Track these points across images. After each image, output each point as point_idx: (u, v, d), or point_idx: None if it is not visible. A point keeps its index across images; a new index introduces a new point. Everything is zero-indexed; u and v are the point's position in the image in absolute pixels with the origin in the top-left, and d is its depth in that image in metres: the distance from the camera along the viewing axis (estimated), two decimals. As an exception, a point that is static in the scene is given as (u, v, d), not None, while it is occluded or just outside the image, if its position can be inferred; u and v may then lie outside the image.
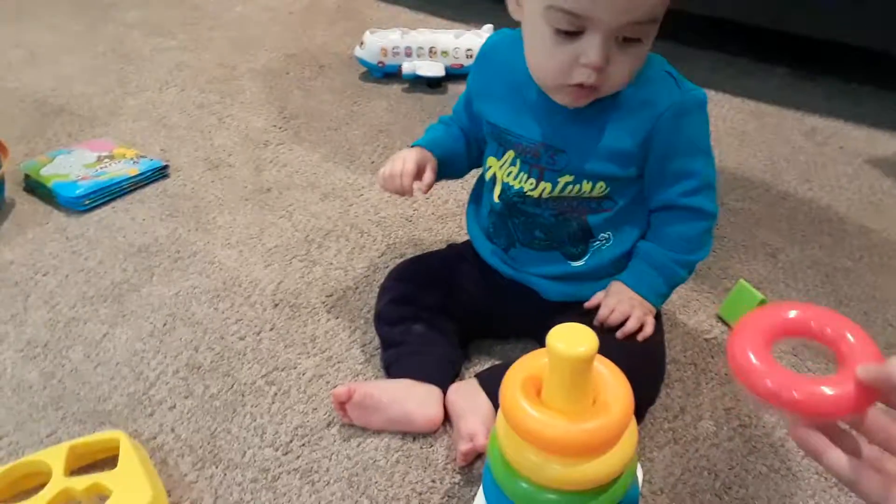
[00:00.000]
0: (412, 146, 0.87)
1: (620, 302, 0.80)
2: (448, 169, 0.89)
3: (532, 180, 0.81)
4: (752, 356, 0.52)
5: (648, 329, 0.79)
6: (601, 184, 0.78)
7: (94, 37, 1.80)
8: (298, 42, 1.77)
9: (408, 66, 1.53)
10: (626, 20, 0.67)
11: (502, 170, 0.83)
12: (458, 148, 0.90)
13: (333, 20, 1.91)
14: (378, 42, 1.55)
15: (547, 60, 0.72)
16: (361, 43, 1.57)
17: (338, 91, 1.54)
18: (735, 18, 1.57)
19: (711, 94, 1.55)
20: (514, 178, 0.82)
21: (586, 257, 0.83)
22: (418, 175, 0.84)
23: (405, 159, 0.84)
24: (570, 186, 0.79)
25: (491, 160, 0.85)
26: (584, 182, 0.78)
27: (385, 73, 1.58)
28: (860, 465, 0.49)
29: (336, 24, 1.88)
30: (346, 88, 1.55)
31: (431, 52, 1.55)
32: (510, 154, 0.82)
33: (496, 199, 0.85)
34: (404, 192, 0.84)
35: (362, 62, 1.58)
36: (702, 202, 0.79)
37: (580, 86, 0.71)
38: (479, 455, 0.76)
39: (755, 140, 1.39)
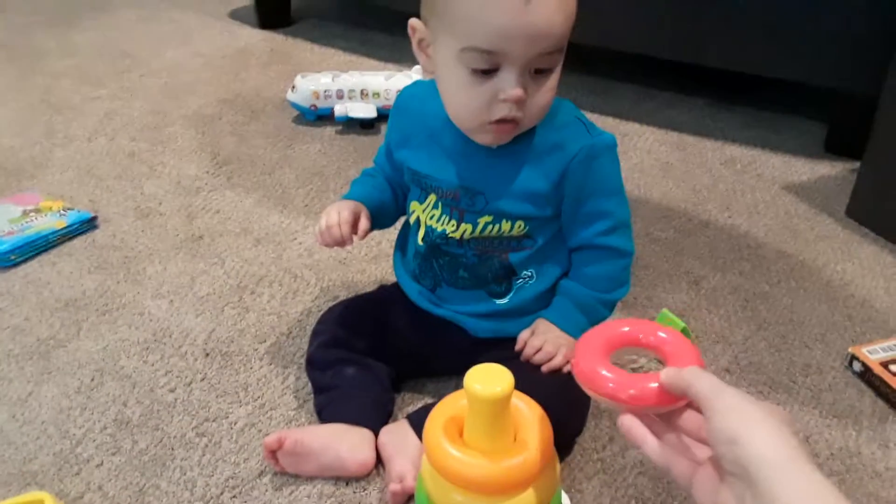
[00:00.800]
0: (342, 199, 0.89)
1: (547, 342, 0.82)
2: (379, 219, 0.91)
3: (453, 222, 0.83)
4: (593, 366, 0.62)
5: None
6: (520, 223, 0.81)
7: (22, 87, 1.78)
8: (231, 87, 1.78)
9: (340, 109, 1.55)
10: (536, 52, 0.71)
11: (425, 213, 0.85)
12: (385, 197, 0.92)
13: (266, 64, 1.92)
14: (309, 86, 1.56)
15: (467, 101, 0.75)
16: (293, 87, 1.59)
17: (271, 135, 1.55)
18: (656, 54, 1.63)
19: (636, 127, 1.60)
20: (437, 221, 0.84)
21: (510, 295, 0.85)
22: (354, 224, 0.86)
23: (339, 210, 0.85)
24: (489, 226, 0.81)
25: (414, 205, 0.87)
26: (504, 222, 0.81)
27: (318, 116, 1.59)
28: (672, 452, 0.58)
29: (268, 68, 1.89)
30: (280, 132, 1.56)
31: (363, 93, 1.57)
32: (432, 198, 0.84)
33: (420, 242, 0.87)
34: (343, 243, 0.86)
35: (295, 106, 1.59)
36: (617, 241, 0.83)
37: (502, 121, 0.74)
38: (410, 497, 0.77)
39: (678, 170, 1.44)
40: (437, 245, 0.85)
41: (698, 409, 0.55)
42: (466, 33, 0.71)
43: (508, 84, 0.72)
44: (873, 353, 0.95)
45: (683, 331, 0.97)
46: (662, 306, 1.01)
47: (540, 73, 0.73)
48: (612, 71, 1.86)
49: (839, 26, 1.37)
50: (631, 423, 0.59)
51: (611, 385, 0.60)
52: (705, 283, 1.12)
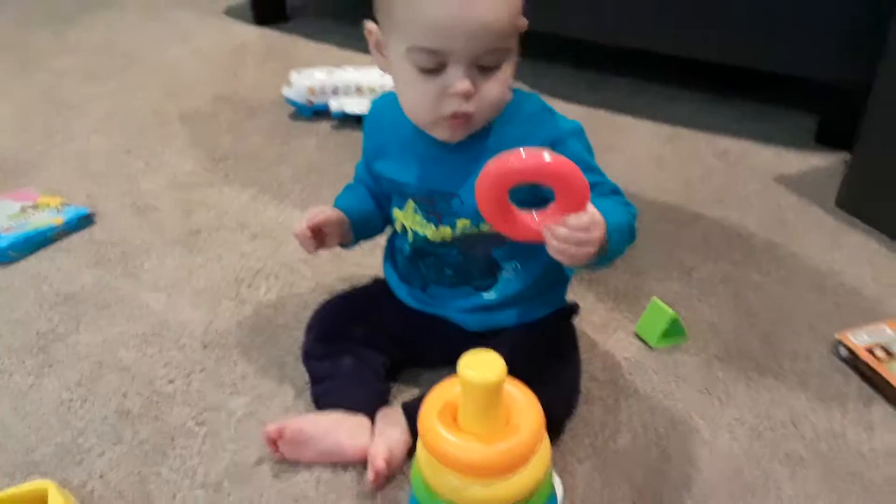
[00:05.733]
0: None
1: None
2: (365, 228, 0.93)
3: (431, 226, 0.85)
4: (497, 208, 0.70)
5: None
6: None
7: (22, 84, 1.79)
8: (228, 85, 1.79)
9: (335, 104, 1.56)
10: (480, 49, 0.72)
11: (408, 219, 0.88)
12: (367, 207, 0.93)
13: (262, 61, 1.94)
14: (305, 82, 1.58)
15: (418, 97, 0.77)
16: (288, 83, 1.60)
17: (267, 131, 1.57)
18: (648, 48, 1.64)
19: (629, 120, 1.62)
20: (419, 226, 0.86)
21: (496, 288, 0.87)
22: (316, 234, 0.86)
23: (302, 219, 0.86)
24: (468, 228, 0.83)
25: (396, 212, 0.89)
26: (482, 223, 0.82)
27: (314, 112, 1.61)
28: None
29: (265, 65, 1.91)
30: (276, 128, 1.58)
31: (358, 89, 1.58)
32: (410, 203, 0.86)
33: (407, 247, 0.89)
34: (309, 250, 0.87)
35: (290, 102, 1.61)
36: (617, 198, 0.82)
37: (454, 116, 0.76)
38: (384, 477, 0.78)
39: (671, 163, 1.46)
40: (421, 247, 0.87)
41: None
42: (410, 33, 0.73)
43: (456, 79, 0.74)
44: (859, 339, 0.97)
45: (673, 319, 0.99)
46: (653, 295, 1.03)
47: (488, 69, 0.75)
48: (605, 65, 1.88)
49: (829, 19, 1.39)
50: None
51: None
52: (696, 272, 1.14)
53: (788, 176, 1.42)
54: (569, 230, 0.69)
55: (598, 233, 0.70)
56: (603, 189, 0.81)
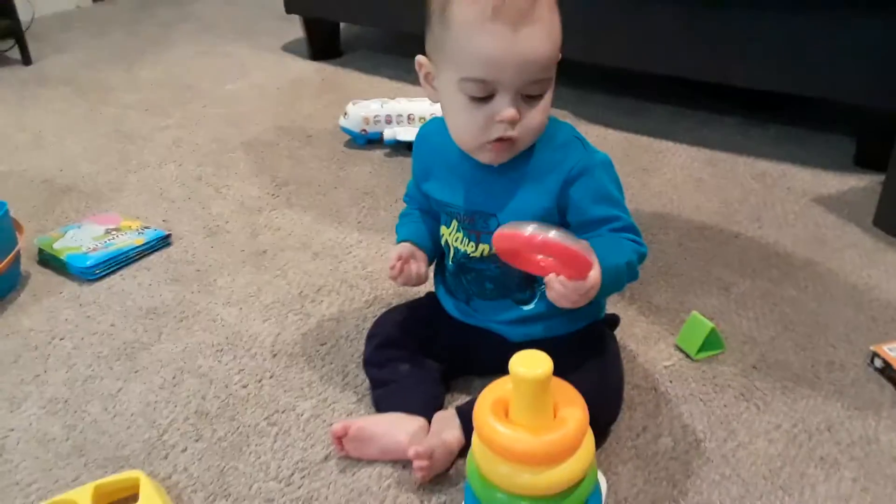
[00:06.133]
0: (398, 242, 0.98)
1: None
2: (436, 247, 1.00)
3: (472, 243, 0.93)
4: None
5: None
6: None
7: (94, 119, 1.93)
8: (286, 115, 1.91)
9: (388, 133, 1.66)
10: (526, 79, 0.80)
11: (451, 236, 0.96)
12: (429, 228, 1.00)
13: (318, 93, 2.05)
14: (360, 112, 1.68)
15: (467, 124, 0.85)
16: (345, 113, 1.70)
17: (324, 158, 1.67)
18: (688, 76, 1.71)
19: (669, 145, 1.68)
20: (460, 243, 0.94)
21: (535, 300, 0.94)
22: (405, 264, 0.95)
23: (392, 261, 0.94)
24: None
25: (442, 229, 0.98)
26: None
27: (368, 140, 1.71)
28: None
29: (321, 97, 2.02)
30: (333, 156, 1.68)
31: (409, 118, 1.68)
32: (455, 223, 0.94)
33: (450, 262, 0.97)
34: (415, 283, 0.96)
35: (346, 131, 1.71)
36: (630, 235, 0.88)
37: (500, 140, 0.84)
38: (431, 472, 0.85)
39: (710, 185, 1.51)
40: (463, 263, 0.95)
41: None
42: (463, 65, 0.81)
43: (504, 107, 0.81)
44: (894, 351, 1.01)
45: (712, 331, 1.05)
46: (693, 310, 1.09)
47: (531, 97, 0.83)
48: (645, 92, 1.95)
49: (865, 44, 1.44)
50: None
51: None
52: (735, 288, 1.19)
53: (827, 196, 1.46)
54: (568, 290, 0.78)
55: (593, 293, 0.79)
56: (617, 224, 0.88)
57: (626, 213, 0.89)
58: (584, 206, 0.87)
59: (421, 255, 0.97)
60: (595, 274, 0.78)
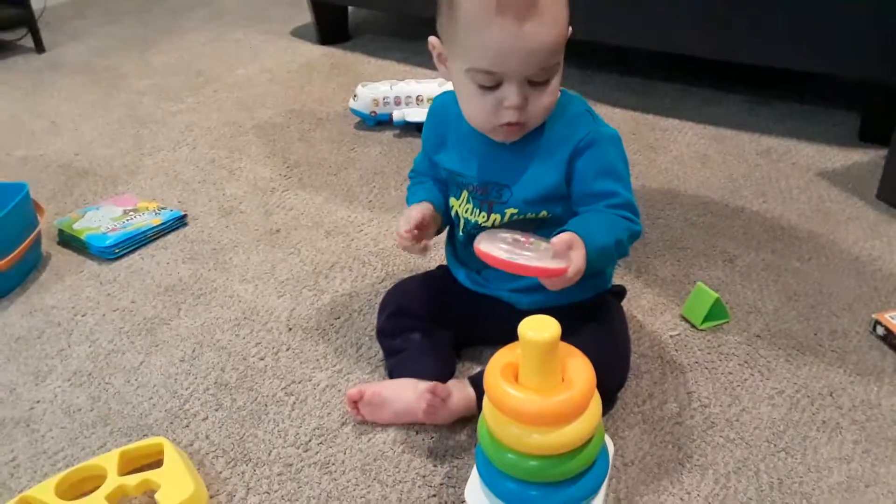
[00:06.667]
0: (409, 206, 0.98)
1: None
2: (448, 213, 1.01)
3: (483, 213, 0.95)
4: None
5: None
6: (544, 212, 0.92)
7: (108, 105, 1.96)
8: (297, 99, 1.93)
9: (398, 114, 1.68)
10: (532, 69, 0.83)
11: (461, 207, 0.98)
12: (441, 195, 1.02)
13: (328, 77, 2.07)
14: (369, 94, 1.70)
15: (477, 109, 0.88)
16: (354, 96, 1.73)
17: (335, 140, 1.69)
18: (693, 53, 1.72)
19: (675, 123, 1.70)
20: (470, 213, 0.96)
21: None
22: (419, 228, 0.94)
23: (403, 221, 0.94)
24: (516, 215, 0.93)
25: (452, 200, 0.99)
26: (528, 213, 0.92)
27: (377, 122, 1.73)
28: None
29: (330, 81, 2.04)
30: (343, 137, 1.70)
31: (418, 99, 1.70)
32: (465, 193, 0.97)
33: (461, 233, 0.99)
34: (419, 250, 0.95)
35: (356, 113, 1.73)
36: (626, 213, 0.89)
37: (508, 125, 0.86)
38: (439, 410, 0.88)
39: (715, 161, 1.53)
40: (473, 234, 0.96)
41: None
42: (470, 57, 0.84)
43: (510, 95, 0.84)
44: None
45: (717, 301, 1.07)
46: (698, 281, 1.11)
47: (538, 83, 0.85)
48: (651, 71, 1.96)
49: (869, 20, 1.44)
50: None
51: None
52: (739, 261, 1.21)
53: (831, 171, 1.48)
54: (553, 282, 0.83)
55: (578, 277, 0.82)
56: (615, 200, 0.89)
57: (628, 190, 0.91)
58: (587, 178, 0.89)
59: (437, 217, 0.98)
60: (574, 267, 0.80)
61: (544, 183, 0.90)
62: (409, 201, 1.02)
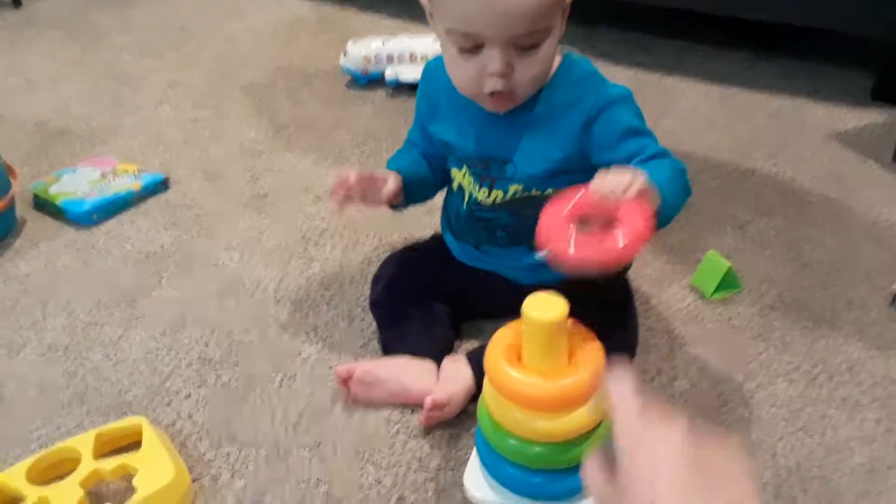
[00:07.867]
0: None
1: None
2: (418, 191, 0.94)
3: (484, 189, 0.88)
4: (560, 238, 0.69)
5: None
6: (550, 189, 0.85)
7: (87, 62, 1.87)
8: (284, 56, 1.85)
9: (390, 72, 1.60)
10: (512, 33, 0.75)
11: (465, 180, 0.91)
12: (423, 170, 0.95)
13: (316, 33, 1.98)
14: (360, 51, 1.62)
15: (459, 73, 0.81)
16: (345, 52, 1.64)
17: (325, 100, 1.62)
18: (698, 9, 1.64)
19: (679, 82, 1.63)
20: (471, 188, 0.90)
21: None
22: (368, 182, 0.87)
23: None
24: (520, 193, 0.86)
25: (454, 171, 0.93)
26: (534, 189, 0.86)
27: (369, 80, 1.65)
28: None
29: (318, 37, 1.95)
30: (333, 97, 1.63)
31: (412, 57, 1.62)
32: (465, 167, 0.90)
33: (464, 207, 0.92)
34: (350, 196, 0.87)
35: (347, 71, 1.65)
36: (664, 156, 0.81)
37: (493, 93, 0.79)
38: (441, 421, 0.83)
39: (721, 122, 1.47)
40: (474, 210, 0.91)
41: None
42: (447, 16, 0.77)
43: (492, 61, 0.76)
44: (916, 289, 0.98)
45: (729, 270, 1.01)
46: (708, 250, 1.05)
47: (527, 48, 0.77)
48: (654, 27, 1.88)
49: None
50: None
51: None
52: (751, 227, 1.16)
53: (844, 133, 1.41)
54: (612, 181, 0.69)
55: (641, 177, 0.69)
56: (645, 154, 0.80)
57: (653, 139, 0.83)
58: (611, 144, 0.81)
59: (393, 181, 0.88)
60: (638, 174, 0.68)
61: (552, 156, 0.84)
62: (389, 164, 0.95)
